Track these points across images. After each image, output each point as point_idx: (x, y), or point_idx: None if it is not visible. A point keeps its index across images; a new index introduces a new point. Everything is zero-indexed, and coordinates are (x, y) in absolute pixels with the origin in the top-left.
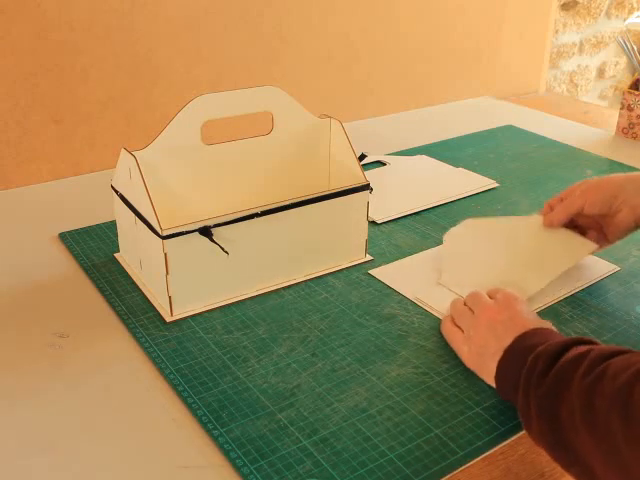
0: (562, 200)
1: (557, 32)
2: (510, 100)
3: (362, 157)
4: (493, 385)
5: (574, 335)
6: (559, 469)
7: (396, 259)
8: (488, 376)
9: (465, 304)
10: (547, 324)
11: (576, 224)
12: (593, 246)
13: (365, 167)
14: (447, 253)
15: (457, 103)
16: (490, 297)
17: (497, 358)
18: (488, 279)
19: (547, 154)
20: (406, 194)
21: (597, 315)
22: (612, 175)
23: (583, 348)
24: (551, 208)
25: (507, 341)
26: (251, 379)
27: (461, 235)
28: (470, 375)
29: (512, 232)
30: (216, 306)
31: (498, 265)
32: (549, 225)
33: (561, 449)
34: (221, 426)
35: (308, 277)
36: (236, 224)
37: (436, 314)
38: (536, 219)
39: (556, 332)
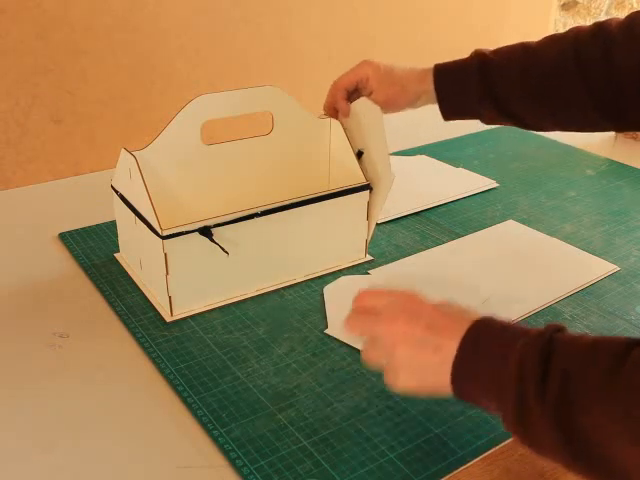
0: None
1: (557, 32)
2: None
3: (360, 154)
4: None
5: None
6: (560, 469)
7: (396, 259)
8: (442, 388)
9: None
10: (473, 313)
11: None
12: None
13: None
14: (329, 307)
15: None
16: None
17: (444, 372)
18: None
19: (547, 154)
20: (406, 194)
21: (597, 315)
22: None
23: (572, 337)
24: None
25: (449, 351)
26: (251, 379)
27: (338, 291)
28: None
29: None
30: (216, 306)
31: None
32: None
33: (586, 461)
34: (221, 426)
35: (308, 277)
36: (236, 224)
37: None
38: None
39: (497, 320)
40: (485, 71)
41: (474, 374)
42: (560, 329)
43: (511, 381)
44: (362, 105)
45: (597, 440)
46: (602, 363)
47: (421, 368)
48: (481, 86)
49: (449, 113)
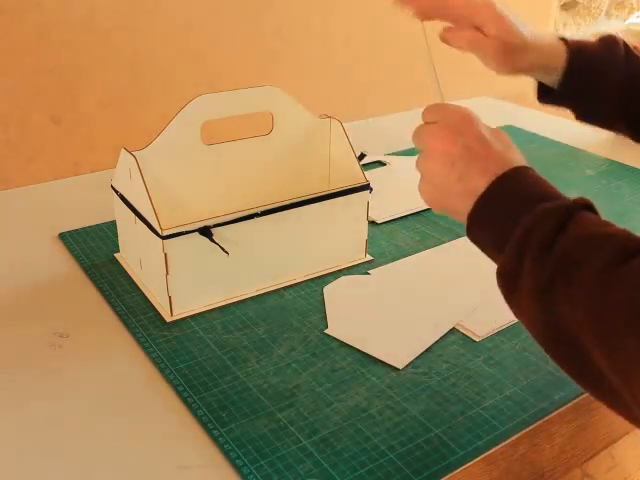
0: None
1: (557, 32)
2: (510, 100)
3: (362, 156)
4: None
5: None
6: (559, 469)
7: (396, 259)
8: (456, 216)
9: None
10: (518, 157)
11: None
12: None
13: (365, 167)
14: (329, 307)
15: (457, 103)
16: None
17: (467, 201)
18: (374, 329)
19: (547, 154)
20: (406, 194)
21: None
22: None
23: (593, 220)
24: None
25: (477, 183)
26: (251, 379)
27: (338, 290)
28: (470, 375)
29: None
30: (216, 306)
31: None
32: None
33: (553, 331)
34: (221, 426)
35: (308, 277)
36: (236, 224)
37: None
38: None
39: (538, 176)
40: (633, 69)
41: (488, 224)
42: (588, 206)
43: (513, 242)
44: None
45: (572, 331)
46: (599, 261)
47: (442, 187)
48: (623, 85)
49: (561, 98)
